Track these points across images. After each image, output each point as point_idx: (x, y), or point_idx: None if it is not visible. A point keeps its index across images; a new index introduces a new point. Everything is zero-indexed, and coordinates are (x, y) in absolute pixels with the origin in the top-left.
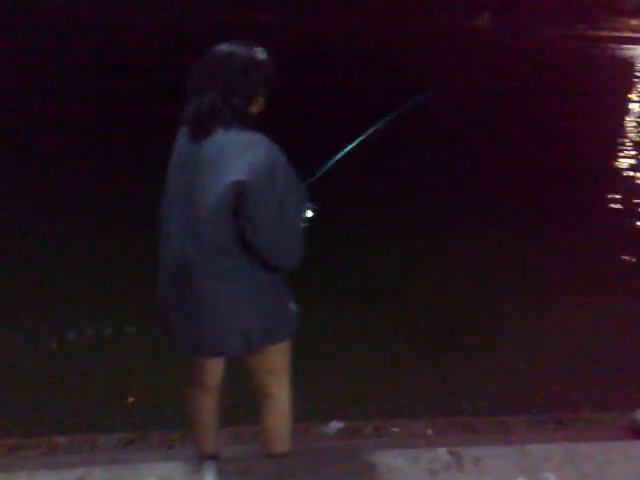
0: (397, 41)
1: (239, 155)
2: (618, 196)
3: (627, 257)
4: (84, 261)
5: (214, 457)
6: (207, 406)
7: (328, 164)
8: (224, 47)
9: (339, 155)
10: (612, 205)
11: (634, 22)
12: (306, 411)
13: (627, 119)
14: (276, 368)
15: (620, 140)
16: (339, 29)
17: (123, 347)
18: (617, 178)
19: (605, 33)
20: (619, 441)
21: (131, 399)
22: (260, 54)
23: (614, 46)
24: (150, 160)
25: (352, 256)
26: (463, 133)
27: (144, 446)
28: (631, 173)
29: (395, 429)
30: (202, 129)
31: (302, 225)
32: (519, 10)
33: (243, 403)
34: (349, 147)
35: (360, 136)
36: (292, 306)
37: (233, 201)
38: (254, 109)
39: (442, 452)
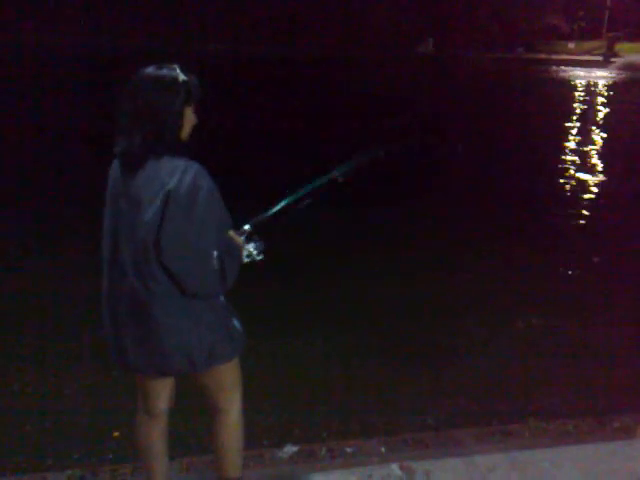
0: (335, 69)
1: (168, 178)
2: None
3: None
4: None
5: None
6: (155, 434)
7: (277, 206)
8: (147, 72)
9: (289, 199)
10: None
11: (571, 46)
12: (260, 436)
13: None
14: (226, 385)
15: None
16: (290, 58)
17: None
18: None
19: (543, 56)
20: (563, 446)
21: (116, 433)
22: (182, 74)
23: (551, 68)
24: None
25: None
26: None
27: None
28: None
29: (349, 449)
30: (135, 162)
31: (226, 255)
32: (461, 36)
33: (195, 434)
34: (301, 193)
35: (312, 182)
36: (236, 324)
37: (159, 223)
38: (184, 131)
39: (394, 467)
